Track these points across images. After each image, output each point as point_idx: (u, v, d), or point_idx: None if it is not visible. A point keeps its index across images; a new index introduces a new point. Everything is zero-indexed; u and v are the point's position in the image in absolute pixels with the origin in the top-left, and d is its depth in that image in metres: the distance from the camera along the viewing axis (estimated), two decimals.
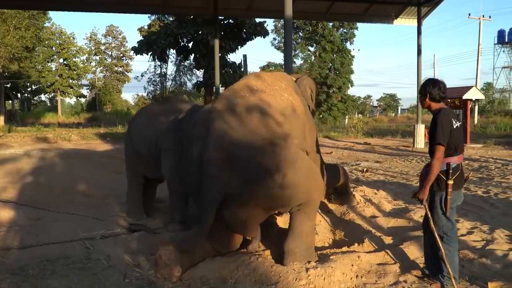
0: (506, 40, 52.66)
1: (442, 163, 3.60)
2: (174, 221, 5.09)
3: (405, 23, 19.47)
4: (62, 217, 5.56)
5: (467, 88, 19.03)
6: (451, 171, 3.59)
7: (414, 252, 4.36)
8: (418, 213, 5.73)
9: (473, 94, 18.82)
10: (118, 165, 8.96)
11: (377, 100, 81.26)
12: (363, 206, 5.90)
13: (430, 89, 3.74)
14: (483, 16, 34.94)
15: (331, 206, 5.86)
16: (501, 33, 52.82)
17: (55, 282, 3.58)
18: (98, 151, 11.05)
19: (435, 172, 3.57)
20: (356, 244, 4.52)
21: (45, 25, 44.10)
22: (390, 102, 79.21)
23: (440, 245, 3.63)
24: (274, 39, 43.41)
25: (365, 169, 11.03)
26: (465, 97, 18.20)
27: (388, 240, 4.72)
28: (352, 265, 3.93)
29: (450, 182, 3.59)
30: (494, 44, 54.17)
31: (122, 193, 6.88)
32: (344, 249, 4.39)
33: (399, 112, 71.97)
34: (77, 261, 4.06)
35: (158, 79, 46.54)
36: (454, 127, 3.65)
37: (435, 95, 3.74)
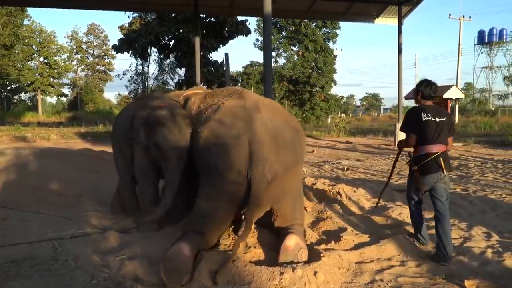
0: (486, 41, 53.35)
1: (415, 151, 4.34)
2: (144, 223, 4.91)
3: (386, 22, 19.49)
4: (32, 216, 5.36)
5: (447, 88, 19.17)
6: (412, 158, 4.37)
7: (390, 250, 4.30)
8: (396, 211, 5.70)
9: (453, 93, 18.99)
10: (94, 163, 8.77)
11: (360, 100, 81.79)
12: (341, 204, 5.83)
13: (422, 88, 4.38)
14: (463, 16, 35.27)
15: (308, 203, 5.77)
16: (481, 34, 53.51)
17: (17, 284, 3.42)
18: (75, 150, 10.79)
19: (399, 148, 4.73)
20: (333, 242, 4.43)
21: (24, 23, 43.52)
22: (372, 101, 79.80)
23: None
24: (257, 39, 43.32)
25: (346, 168, 11.01)
26: (445, 96, 18.36)
27: (365, 238, 4.64)
28: (339, 268, 3.84)
29: (414, 168, 4.30)
30: (474, 44, 54.85)
31: (96, 192, 6.72)
32: (323, 247, 4.27)
33: (382, 112, 72.40)
34: (44, 262, 3.88)
35: (139, 78, 46.11)
36: (423, 120, 4.19)
37: (426, 94, 4.36)
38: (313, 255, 3.95)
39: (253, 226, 4.48)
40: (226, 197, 3.93)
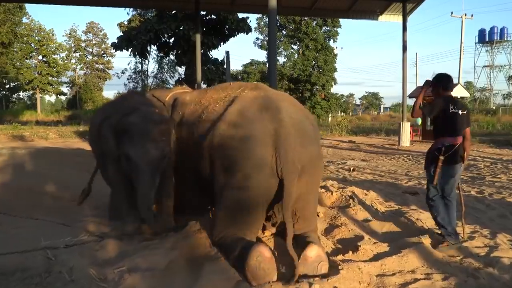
0: (487, 39, 53.11)
1: (437, 142, 4.39)
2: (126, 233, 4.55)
3: (390, 20, 19.25)
4: (25, 222, 5.02)
5: None
6: (443, 149, 4.29)
7: (413, 261, 3.92)
8: (414, 216, 5.37)
9: (458, 92, 18.64)
10: (91, 164, 8.41)
11: (359, 99, 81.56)
12: (355, 209, 5.49)
13: (445, 81, 4.51)
14: (465, 14, 35.00)
15: (320, 208, 5.42)
16: (482, 32, 53.28)
17: None
18: (71, 150, 10.46)
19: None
20: (350, 252, 4.06)
21: (23, 21, 43.22)
22: (372, 100, 79.58)
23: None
24: (257, 38, 43.10)
25: (352, 168, 10.70)
26: None
27: (384, 247, 4.28)
28: (360, 283, 3.46)
29: (441, 158, 4.27)
30: (475, 43, 54.62)
31: (94, 195, 6.35)
32: (340, 257, 3.92)
33: (382, 111, 72.16)
34: (36, 274, 3.53)
35: (138, 76, 45.81)
36: (450, 111, 4.32)
37: (448, 86, 4.50)
38: (331, 268, 3.58)
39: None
40: (257, 195, 3.62)
